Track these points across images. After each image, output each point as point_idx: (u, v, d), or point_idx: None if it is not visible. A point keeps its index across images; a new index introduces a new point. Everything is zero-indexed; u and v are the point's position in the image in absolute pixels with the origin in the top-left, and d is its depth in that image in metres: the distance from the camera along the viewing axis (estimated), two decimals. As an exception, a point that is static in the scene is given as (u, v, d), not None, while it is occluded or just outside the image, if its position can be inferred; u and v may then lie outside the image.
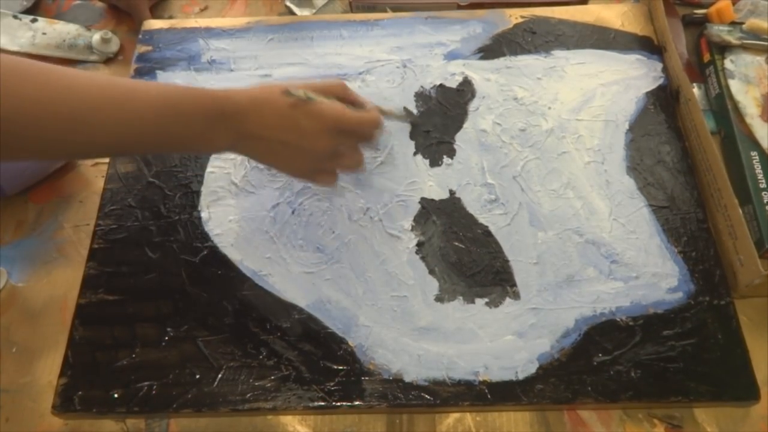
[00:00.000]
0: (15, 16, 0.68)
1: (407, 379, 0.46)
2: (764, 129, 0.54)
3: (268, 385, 0.46)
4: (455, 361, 0.46)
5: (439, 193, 0.54)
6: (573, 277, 0.50)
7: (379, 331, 0.48)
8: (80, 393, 0.46)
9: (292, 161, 0.47)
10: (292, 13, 0.72)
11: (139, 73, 0.63)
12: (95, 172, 0.60)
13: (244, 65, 0.63)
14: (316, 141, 0.45)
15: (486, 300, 0.49)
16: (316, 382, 0.46)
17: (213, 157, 0.57)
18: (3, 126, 0.35)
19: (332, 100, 0.46)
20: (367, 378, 0.46)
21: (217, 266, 0.52)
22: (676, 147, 0.56)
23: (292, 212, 0.54)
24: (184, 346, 0.48)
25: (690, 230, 0.52)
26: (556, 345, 0.47)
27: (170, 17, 0.72)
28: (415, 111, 0.59)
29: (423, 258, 0.51)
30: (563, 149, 0.56)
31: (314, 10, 0.72)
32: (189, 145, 0.46)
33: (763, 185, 0.51)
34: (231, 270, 0.51)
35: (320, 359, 0.47)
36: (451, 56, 0.63)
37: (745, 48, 0.59)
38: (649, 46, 0.63)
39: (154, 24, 0.67)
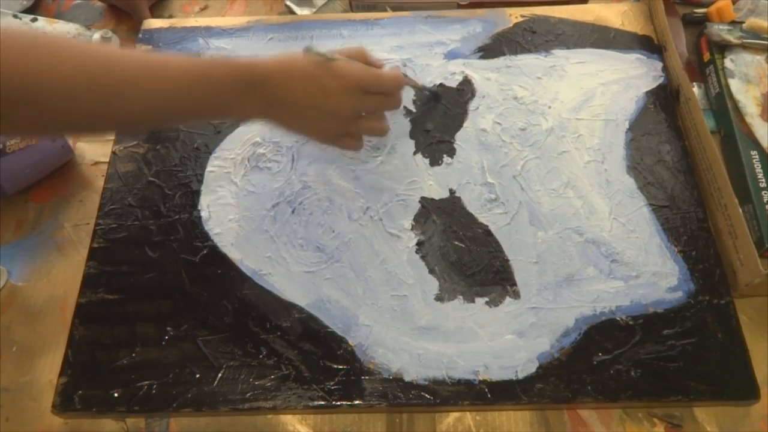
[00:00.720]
0: (15, 16, 0.68)
1: (407, 378, 0.46)
2: (764, 128, 0.54)
3: (268, 384, 0.46)
4: (455, 360, 0.46)
5: (439, 193, 0.54)
6: (573, 276, 0.50)
7: (379, 330, 0.48)
8: (80, 392, 0.46)
9: (319, 125, 0.48)
10: (291, 12, 0.72)
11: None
12: (95, 172, 0.60)
13: (244, 64, 0.63)
14: (341, 101, 0.46)
15: (486, 299, 0.49)
16: (316, 381, 0.46)
17: (213, 156, 0.57)
18: (48, 101, 0.37)
19: (352, 61, 0.46)
20: (367, 377, 0.46)
21: (217, 265, 0.52)
22: (676, 146, 0.56)
23: (292, 211, 0.54)
24: (184, 345, 0.48)
25: (690, 229, 0.52)
26: (556, 344, 0.47)
27: (170, 16, 0.72)
28: (415, 110, 0.59)
29: (423, 257, 0.51)
30: (563, 148, 0.56)
31: (314, 10, 0.72)
32: (221, 113, 0.48)
33: (763, 184, 0.51)
34: (231, 269, 0.51)
35: (320, 358, 0.47)
36: (451, 55, 0.63)
37: (745, 47, 0.59)
38: (649, 46, 0.63)
39: (154, 23, 0.67)
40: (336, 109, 0.46)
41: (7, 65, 0.35)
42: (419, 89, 0.59)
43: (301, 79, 0.45)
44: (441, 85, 0.61)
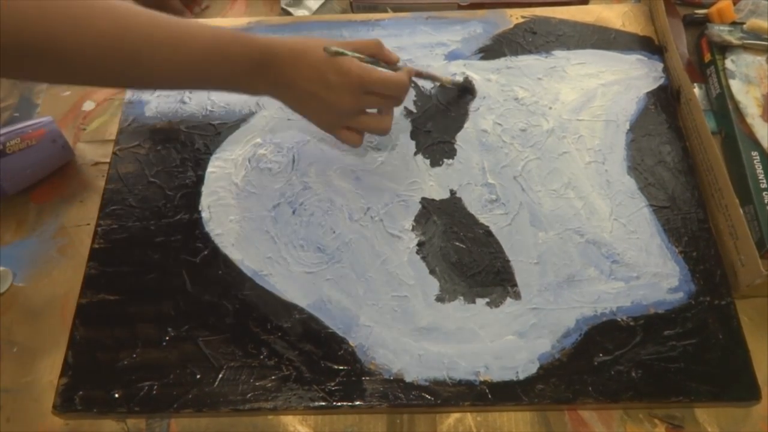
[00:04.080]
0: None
1: (408, 379, 0.46)
2: (765, 129, 0.54)
3: (269, 385, 0.46)
4: (456, 361, 0.46)
5: (439, 193, 0.54)
6: (574, 277, 0.50)
7: (380, 331, 0.48)
8: (81, 393, 0.46)
9: (319, 113, 0.49)
10: (288, 15, 0.71)
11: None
12: (96, 172, 0.60)
13: (245, 65, 0.63)
14: (341, 96, 0.46)
15: (487, 300, 0.49)
16: (316, 382, 0.46)
17: (214, 156, 0.58)
18: (76, 56, 0.40)
19: (366, 58, 0.47)
20: (367, 378, 0.46)
21: (218, 266, 0.52)
22: (677, 147, 0.56)
23: (293, 212, 0.54)
24: (185, 346, 0.48)
25: (691, 230, 0.52)
26: (557, 345, 0.47)
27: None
28: (416, 110, 0.59)
29: (424, 258, 0.51)
30: (564, 149, 0.56)
31: (310, 14, 0.71)
32: (233, 86, 0.49)
33: (764, 185, 0.51)
34: (232, 270, 0.51)
35: (321, 359, 0.47)
36: (451, 56, 0.63)
37: (745, 48, 0.59)
38: (650, 46, 0.63)
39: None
40: (335, 104, 0.47)
41: (32, 20, 0.37)
42: (446, 84, 0.59)
43: (308, 68, 0.46)
44: (441, 86, 0.61)
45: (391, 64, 0.50)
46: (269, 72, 0.47)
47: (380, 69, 0.48)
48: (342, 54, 0.45)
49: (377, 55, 0.49)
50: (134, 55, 0.42)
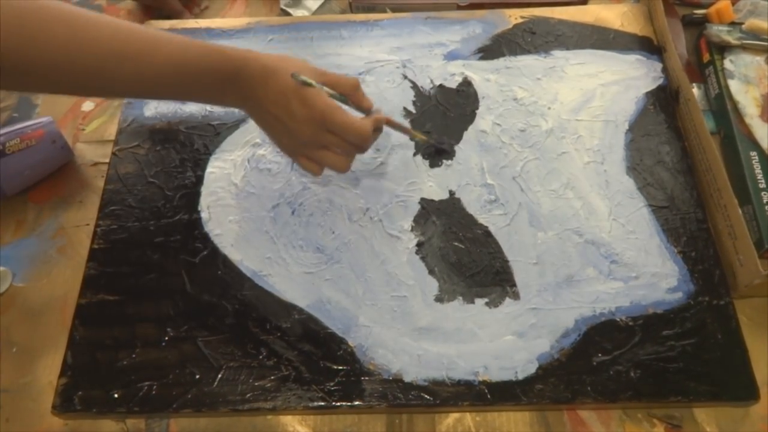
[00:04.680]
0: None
1: (407, 379, 0.46)
2: (764, 129, 0.54)
3: (268, 385, 0.46)
4: (455, 361, 0.46)
5: (438, 194, 0.54)
6: (573, 277, 0.50)
7: (379, 331, 0.48)
8: (80, 393, 0.47)
9: (280, 137, 0.48)
10: (287, 15, 0.72)
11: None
12: (95, 172, 0.60)
13: (244, 65, 0.63)
14: (302, 128, 0.45)
15: (486, 300, 0.49)
16: (316, 382, 0.46)
17: (213, 157, 0.58)
18: (36, 68, 0.40)
19: (336, 96, 0.46)
20: (366, 378, 0.46)
21: (217, 266, 0.52)
22: (676, 147, 0.56)
23: (292, 213, 0.54)
24: (184, 346, 0.48)
25: (689, 230, 0.52)
26: (556, 345, 0.47)
27: (170, 17, 0.72)
28: (415, 110, 0.59)
29: (423, 258, 0.51)
30: (563, 149, 0.56)
31: (309, 14, 0.71)
32: (201, 99, 0.49)
33: (762, 185, 0.51)
34: (231, 270, 0.51)
35: (320, 359, 0.47)
36: (450, 56, 0.63)
37: (744, 48, 0.59)
38: (649, 47, 0.63)
39: (155, 24, 0.67)
40: (295, 132, 0.46)
41: (6, 34, 0.37)
42: (420, 141, 0.55)
43: (275, 91, 0.45)
44: (440, 86, 0.60)
45: (362, 110, 0.48)
46: (239, 88, 0.46)
47: (346, 111, 0.45)
48: (309, 84, 0.44)
49: (349, 96, 0.47)
50: (98, 68, 0.41)
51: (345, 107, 0.46)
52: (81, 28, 0.40)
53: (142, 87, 0.45)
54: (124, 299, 0.51)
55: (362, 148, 0.48)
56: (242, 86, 0.46)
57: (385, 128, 0.51)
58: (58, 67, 0.40)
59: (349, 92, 0.47)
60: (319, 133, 0.45)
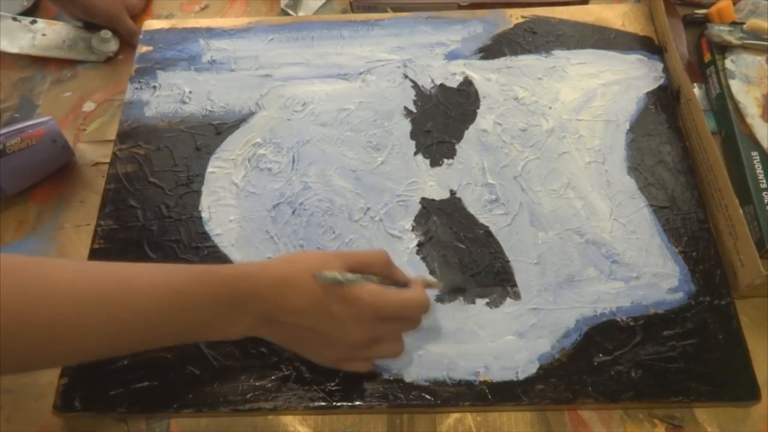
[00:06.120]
0: (14, 18, 0.68)
1: (408, 379, 0.46)
2: (765, 129, 0.54)
3: (269, 385, 0.46)
4: (456, 361, 0.46)
5: (439, 193, 0.54)
6: (573, 277, 0.50)
7: (380, 331, 0.48)
8: (81, 393, 0.46)
9: (321, 350, 0.42)
10: (288, 15, 0.71)
11: (140, 73, 0.63)
12: (96, 172, 0.60)
13: (245, 65, 0.63)
14: (351, 330, 0.40)
15: (486, 300, 0.49)
16: (316, 382, 0.46)
17: (214, 157, 0.57)
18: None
19: (371, 279, 0.41)
20: (367, 378, 0.46)
21: (218, 266, 0.52)
22: (677, 147, 0.56)
23: (293, 212, 0.54)
24: (185, 346, 0.48)
25: (691, 230, 0.52)
26: (557, 345, 0.47)
27: (170, 15, 0.72)
28: (415, 110, 0.59)
29: (423, 258, 0.51)
30: (564, 149, 0.56)
31: (310, 14, 0.71)
32: (198, 335, 0.41)
33: (763, 185, 0.51)
34: (231, 270, 0.51)
35: (321, 359, 0.47)
36: (451, 56, 0.63)
37: (745, 48, 0.59)
38: (650, 46, 0.63)
39: (154, 24, 0.67)
40: (344, 338, 0.40)
41: None
42: (447, 288, 0.49)
43: (305, 301, 0.39)
44: (441, 85, 0.60)
45: (398, 284, 0.43)
46: (246, 309, 0.38)
47: (394, 290, 0.41)
48: (338, 281, 0.38)
49: (386, 275, 0.42)
50: (51, 328, 0.32)
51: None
52: (32, 278, 0.32)
53: (123, 336, 0.36)
54: (124, 299, 0.50)
55: (420, 321, 0.44)
56: (252, 307, 0.38)
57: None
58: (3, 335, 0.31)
59: (383, 270, 0.42)
60: (373, 327, 0.41)
